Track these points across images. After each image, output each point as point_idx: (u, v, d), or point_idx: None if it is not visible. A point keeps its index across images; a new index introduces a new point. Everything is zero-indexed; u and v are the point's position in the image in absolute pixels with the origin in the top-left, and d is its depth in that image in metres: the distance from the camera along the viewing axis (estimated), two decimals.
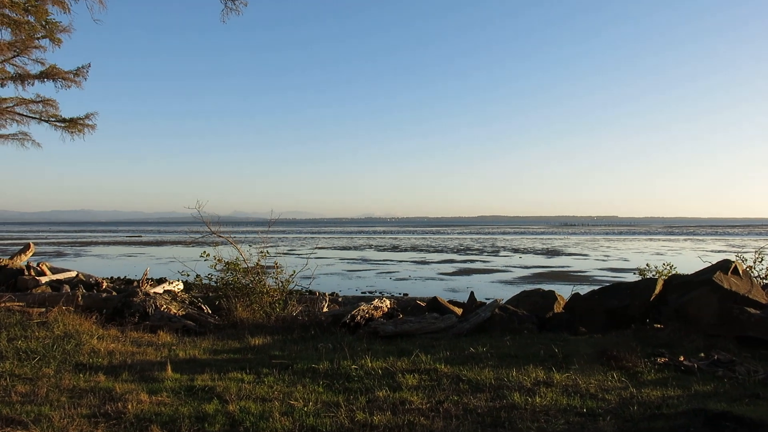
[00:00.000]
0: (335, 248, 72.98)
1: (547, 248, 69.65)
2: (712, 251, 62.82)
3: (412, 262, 49.85)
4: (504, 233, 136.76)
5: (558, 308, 11.11)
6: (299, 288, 31.94)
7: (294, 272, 13.29)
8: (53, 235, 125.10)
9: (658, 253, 59.05)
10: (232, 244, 13.47)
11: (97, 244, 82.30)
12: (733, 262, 10.20)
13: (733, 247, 70.23)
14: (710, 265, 10.47)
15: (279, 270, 12.91)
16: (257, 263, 12.80)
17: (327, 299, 12.94)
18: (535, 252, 62.64)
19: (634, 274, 16.76)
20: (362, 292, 30.22)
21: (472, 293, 12.39)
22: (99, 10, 13.84)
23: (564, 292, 30.26)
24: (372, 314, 10.34)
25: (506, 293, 29.24)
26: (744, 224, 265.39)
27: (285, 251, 67.52)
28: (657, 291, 10.09)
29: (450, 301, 12.47)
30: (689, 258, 52.63)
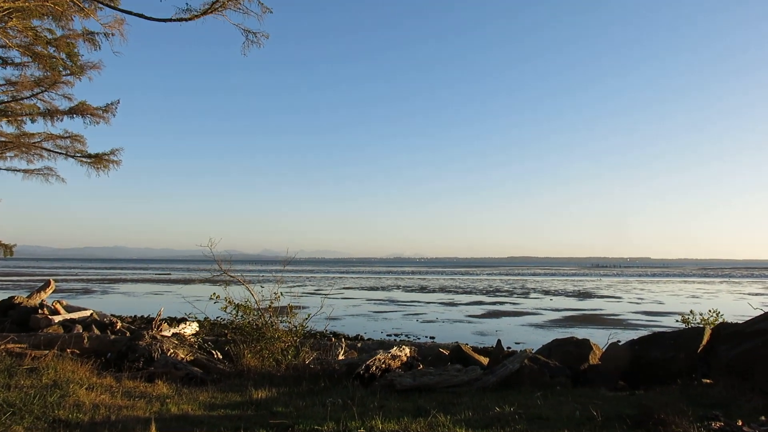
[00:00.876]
0: (362, 288, 72.05)
1: (579, 290, 67.74)
2: (749, 294, 60.38)
3: (440, 303, 48.68)
4: (534, 274, 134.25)
5: (594, 359, 10.08)
6: (320, 330, 31.14)
7: (308, 316, 12.46)
8: (83, 271, 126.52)
9: (693, 296, 56.94)
10: (243, 284, 12.76)
11: (125, 281, 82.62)
12: None
13: None
14: (763, 313, 9.44)
15: (293, 314, 12.12)
16: (270, 305, 12.04)
17: (343, 345, 12.06)
18: (566, 294, 60.87)
19: (677, 321, 15.50)
20: (387, 335, 29.26)
21: (498, 342, 11.41)
22: (120, 43, 13.64)
23: (597, 337, 29.14)
24: (389, 364, 9.42)
25: (537, 337, 28.04)
26: None
27: (312, 291, 66.89)
28: (704, 342, 9.07)
29: (476, 349, 11.51)
30: (726, 301, 50.52)
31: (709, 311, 13.51)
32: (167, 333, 14.43)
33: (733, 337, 8.66)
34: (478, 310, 42.47)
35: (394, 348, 9.80)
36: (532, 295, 59.94)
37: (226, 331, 12.85)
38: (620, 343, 10.96)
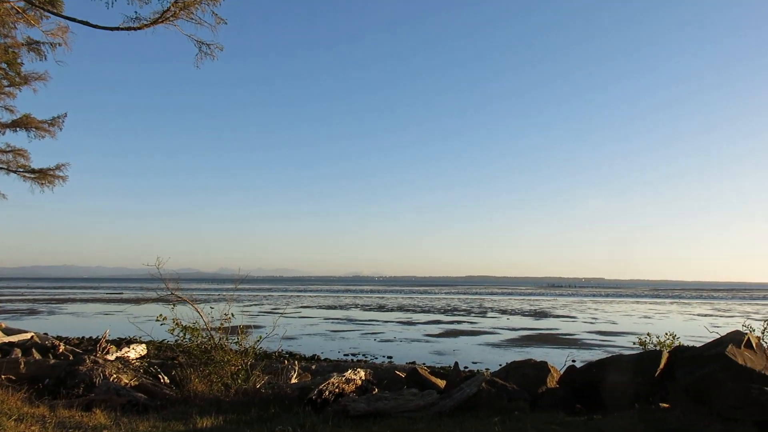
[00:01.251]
0: (320, 307, 71.29)
1: (535, 309, 68.41)
2: (699, 315, 61.95)
3: (398, 322, 48.40)
4: (491, 293, 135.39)
5: (552, 382, 9.88)
6: (275, 350, 30.47)
7: (260, 338, 12.00)
8: (30, 291, 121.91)
9: (645, 317, 58.05)
10: (190, 304, 12.23)
11: (74, 301, 79.88)
12: (746, 334, 9.06)
13: (719, 311, 69.53)
14: (719, 337, 9.40)
15: (244, 335, 11.64)
16: (220, 326, 11.54)
17: (296, 368, 11.58)
18: (523, 313, 61.35)
19: (634, 344, 15.40)
20: (345, 355, 28.82)
21: (456, 364, 11.14)
22: (65, 52, 13.14)
23: (554, 356, 29.38)
24: (343, 388, 9.04)
25: (494, 357, 27.99)
26: (727, 288, 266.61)
27: (268, 310, 65.82)
28: (662, 365, 8.95)
29: (433, 371, 11.20)
30: (677, 322, 51.62)
31: (666, 334, 13.42)
32: (112, 357, 13.75)
33: (690, 361, 8.57)
34: (436, 329, 42.35)
35: (349, 371, 9.42)
36: (490, 314, 60.21)
37: (173, 354, 12.28)
38: (578, 366, 10.83)
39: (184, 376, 10.58)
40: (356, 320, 50.31)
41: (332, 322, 48.06)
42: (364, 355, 28.77)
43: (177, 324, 11.55)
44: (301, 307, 71.85)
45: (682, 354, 8.86)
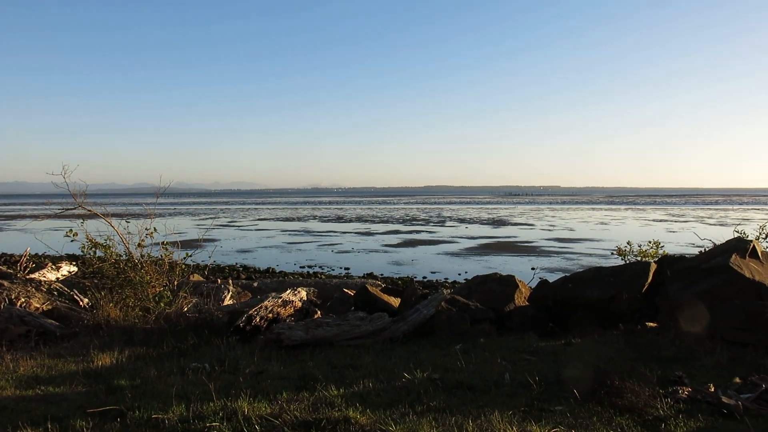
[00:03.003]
0: (278, 219, 69.87)
1: (493, 218, 68.34)
2: (654, 220, 62.72)
3: (356, 233, 47.44)
4: (450, 203, 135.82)
5: (520, 298, 8.69)
6: (230, 264, 29.00)
7: (188, 255, 10.43)
8: None
9: (602, 223, 58.43)
10: (103, 219, 10.49)
11: (24, 217, 76.45)
12: (750, 241, 7.55)
13: (674, 216, 70.69)
14: (717, 244, 8.16)
15: (168, 253, 10.05)
16: (140, 243, 9.87)
17: (231, 288, 10.03)
18: (481, 222, 61.11)
19: (612, 254, 14.38)
20: (301, 267, 27.71)
21: (411, 281, 9.85)
22: None
23: (513, 264, 28.73)
24: (278, 312, 7.58)
25: (453, 266, 27.18)
26: (679, 194, 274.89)
27: (225, 223, 64.10)
28: (650, 279, 7.61)
29: (387, 288, 9.70)
30: (634, 227, 51.96)
31: (649, 242, 11.73)
32: (37, 276, 12.13)
33: (685, 274, 7.23)
34: (395, 239, 41.51)
35: (288, 291, 7.96)
36: (448, 223, 59.77)
37: (80, 277, 10.70)
38: (545, 277, 9.66)
39: (95, 302, 9.01)
40: (314, 232, 49.14)
41: (289, 234, 46.81)
42: (320, 267, 27.69)
43: (89, 240, 9.84)
44: (259, 219, 70.30)
45: (673, 266, 7.58)
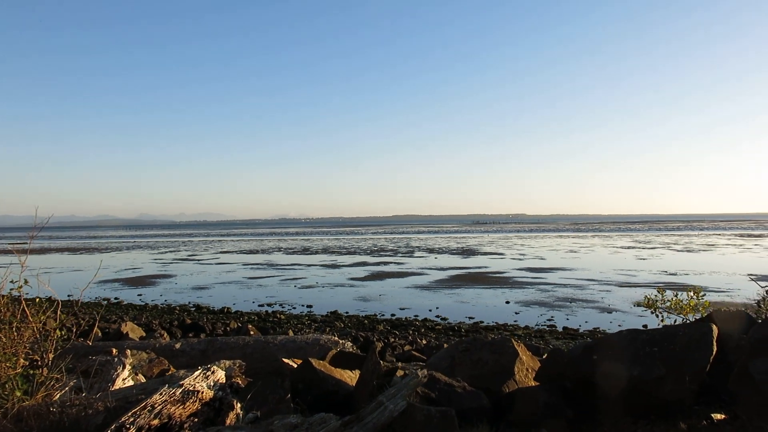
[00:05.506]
0: (241, 252, 67.66)
1: (462, 247, 67.34)
2: (622, 248, 62.43)
3: (321, 266, 45.76)
4: (418, 232, 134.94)
5: (521, 371, 6.08)
6: (182, 303, 26.95)
7: (61, 315, 6.41)
8: None
9: (572, 251, 57.83)
10: None
11: None
12: None
13: (639, 243, 70.66)
14: None
15: (40, 311, 5.89)
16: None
17: (128, 360, 6.43)
18: (451, 252, 59.99)
19: (634, 306, 10.13)
20: (260, 305, 25.95)
21: (371, 344, 7.56)
22: None
23: (486, 297, 27.33)
24: (172, 414, 4.73)
25: (423, 301, 25.72)
26: (641, 220, 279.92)
27: (185, 256, 61.73)
28: (715, 351, 5.11)
29: (339, 356, 6.67)
30: (603, 255, 51.42)
31: (690, 292, 7.47)
32: None
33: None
34: (362, 271, 39.99)
35: (197, 373, 5.19)
36: (417, 253, 58.50)
37: None
38: (566, 348, 8.07)
39: None
40: (277, 265, 47.30)
41: (251, 268, 44.89)
42: (281, 304, 25.98)
43: None
44: (221, 252, 68.01)
45: (742, 327, 5.23)
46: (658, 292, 6.84)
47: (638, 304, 7.01)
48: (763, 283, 7.53)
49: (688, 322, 6.23)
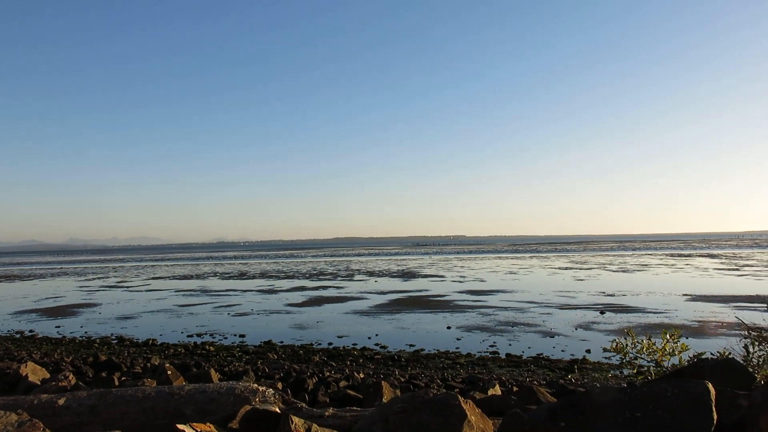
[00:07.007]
0: (175, 277, 64.95)
1: (403, 270, 66.73)
2: (560, 268, 63.23)
3: (258, 291, 44.14)
4: (359, 255, 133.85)
5: None
6: (104, 335, 25.02)
7: None
8: None
9: (511, 272, 58.06)
10: None
11: None
12: None
13: (576, 263, 71.88)
14: None
15: None
16: None
17: None
18: (391, 275, 59.23)
19: (605, 351, 7.28)
20: (189, 335, 24.34)
21: (285, 419, 5.52)
22: None
23: (427, 322, 26.45)
24: None
25: (362, 327, 24.67)
26: (576, 241, 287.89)
27: (114, 283, 58.69)
28: (716, 419, 3.87)
29: (251, 416, 5.69)
30: (542, 276, 51.72)
31: (667, 336, 6.07)
32: None
33: None
34: (300, 297, 38.66)
35: None
36: (357, 276, 57.47)
37: None
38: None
39: None
40: (212, 291, 45.37)
41: (183, 295, 42.83)
42: (212, 334, 24.48)
43: None
44: (153, 278, 65.10)
45: (736, 383, 4.29)
46: (628, 333, 5.83)
47: (607, 350, 5.26)
48: (746, 313, 7.00)
49: (667, 371, 5.38)
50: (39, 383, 11.78)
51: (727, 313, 25.12)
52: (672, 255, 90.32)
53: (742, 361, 5.45)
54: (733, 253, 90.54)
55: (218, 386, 6.04)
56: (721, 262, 66.31)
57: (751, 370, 4.99)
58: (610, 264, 69.29)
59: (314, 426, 4.36)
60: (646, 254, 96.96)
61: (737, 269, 54.69)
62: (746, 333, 5.94)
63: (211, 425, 4.50)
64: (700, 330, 21.42)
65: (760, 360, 5.63)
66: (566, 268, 62.85)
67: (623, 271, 56.04)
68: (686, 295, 33.64)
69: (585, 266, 65.92)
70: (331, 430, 4.63)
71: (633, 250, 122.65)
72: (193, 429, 4.18)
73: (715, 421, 3.69)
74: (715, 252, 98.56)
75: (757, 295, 31.86)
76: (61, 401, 5.73)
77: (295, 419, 4.37)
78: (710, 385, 3.85)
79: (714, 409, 3.74)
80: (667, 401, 3.83)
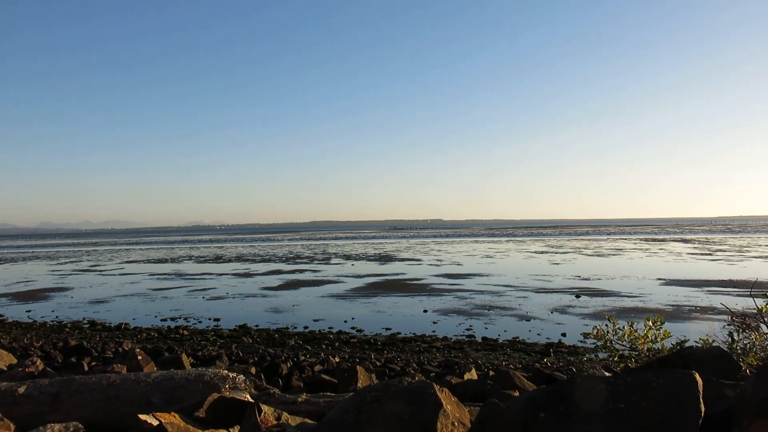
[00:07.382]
0: (149, 261, 64.04)
1: (380, 253, 66.62)
2: (536, 252, 63.63)
3: (234, 275, 43.67)
4: (336, 238, 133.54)
5: (447, 429, 4.10)
6: (77, 319, 24.61)
7: None
8: None
9: (487, 256, 58.27)
10: None
11: None
12: None
13: (552, 247, 72.42)
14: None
15: None
16: None
17: None
18: (368, 258, 59.10)
19: (583, 338, 7.32)
20: (162, 319, 23.96)
21: (252, 408, 5.17)
22: None
23: (404, 306, 26.39)
24: None
25: (338, 311, 24.50)
26: (552, 225, 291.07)
27: (86, 267, 57.73)
28: (704, 411, 3.66)
29: (209, 414, 5.37)
30: (518, 260, 51.99)
31: (649, 322, 5.82)
32: None
33: None
34: (276, 280, 38.34)
35: None
36: (334, 260, 57.24)
37: None
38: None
39: None
40: (186, 275, 44.79)
41: (158, 279, 42.22)
42: (186, 318, 24.12)
43: None
44: (126, 262, 64.16)
45: (754, 389, 3.55)
46: (609, 320, 5.65)
47: (588, 336, 5.11)
48: (720, 297, 6.93)
49: (648, 358, 5.24)
50: (5, 369, 11.44)
51: (700, 297, 25.43)
52: (646, 240, 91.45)
53: (726, 349, 5.35)
54: (706, 238, 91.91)
55: (186, 373, 5.80)
56: (695, 247, 67.26)
57: (735, 358, 4.88)
58: (585, 248, 69.92)
59: (285, 414, 4.17)
60: (620, 239, 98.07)
61: (710, 254, 55.48)
62: (730, 320, 5.85)
63: (176, 414, 4.28)
64: (674, 314, 21.60)
65: (746, 347, 5.54)
66: (542, 252, 63.27)
67: (598, 256, 56.56)
68: (660, 279, 34.00)
69: (560, 250, 66.40)
70: (302, 418, 4.44)
71: (608, 234, 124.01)
72: (157, 419, 3.96)
73: (702, 414, 3.53)
74: (688, 237, 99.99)
75: (729, 280, 32.30)
76: (22, 389, 5.46)
77: (265, 408, 4.17)
78: (697, 376, 3.68)
79: (702, 400, 3.57)
80: (653, 392, 3.63)
